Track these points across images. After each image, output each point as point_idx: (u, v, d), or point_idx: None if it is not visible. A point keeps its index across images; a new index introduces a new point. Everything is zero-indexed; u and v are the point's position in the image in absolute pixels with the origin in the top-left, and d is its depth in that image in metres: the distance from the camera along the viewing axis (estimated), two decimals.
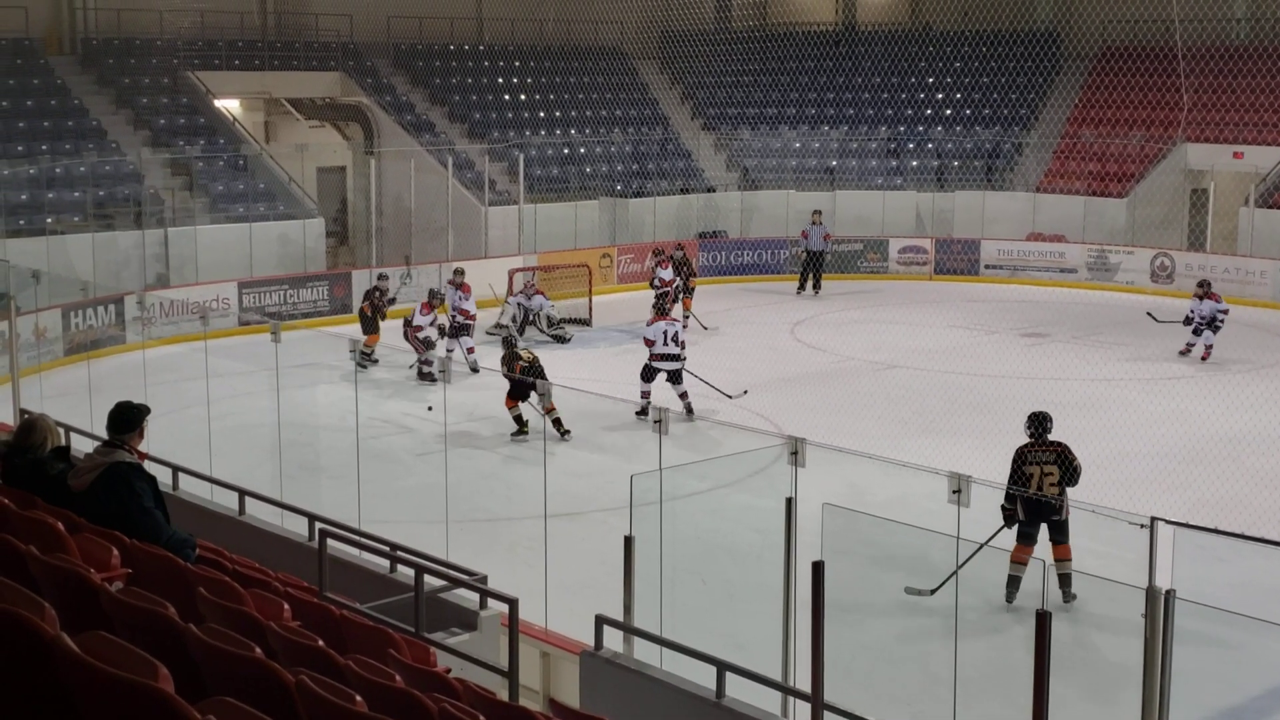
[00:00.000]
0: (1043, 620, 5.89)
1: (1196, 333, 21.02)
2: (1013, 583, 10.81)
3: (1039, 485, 10.88)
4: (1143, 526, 7.14)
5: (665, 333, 17.19)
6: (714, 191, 32.11)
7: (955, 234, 30.34)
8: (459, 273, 21.01)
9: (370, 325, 20.75)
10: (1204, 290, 21.23)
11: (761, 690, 7.37)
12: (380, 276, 22.03)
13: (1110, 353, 21.60)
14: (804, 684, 6.75)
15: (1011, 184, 31.89)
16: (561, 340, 22.65)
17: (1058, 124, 32.97)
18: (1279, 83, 29.58)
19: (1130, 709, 6.37)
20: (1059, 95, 33.72)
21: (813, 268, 27.69)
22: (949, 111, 33.91)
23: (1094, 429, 16.09)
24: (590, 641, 7.83)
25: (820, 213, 28.31)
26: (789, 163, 33.07)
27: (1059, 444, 11.18)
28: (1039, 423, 11.31)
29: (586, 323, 23.94)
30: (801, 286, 27.55)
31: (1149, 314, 22.05)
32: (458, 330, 20.27)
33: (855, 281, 28.78)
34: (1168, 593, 6.27)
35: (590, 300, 24.31)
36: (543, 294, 23.21)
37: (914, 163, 32.50)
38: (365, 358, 19.02)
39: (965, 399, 17.97)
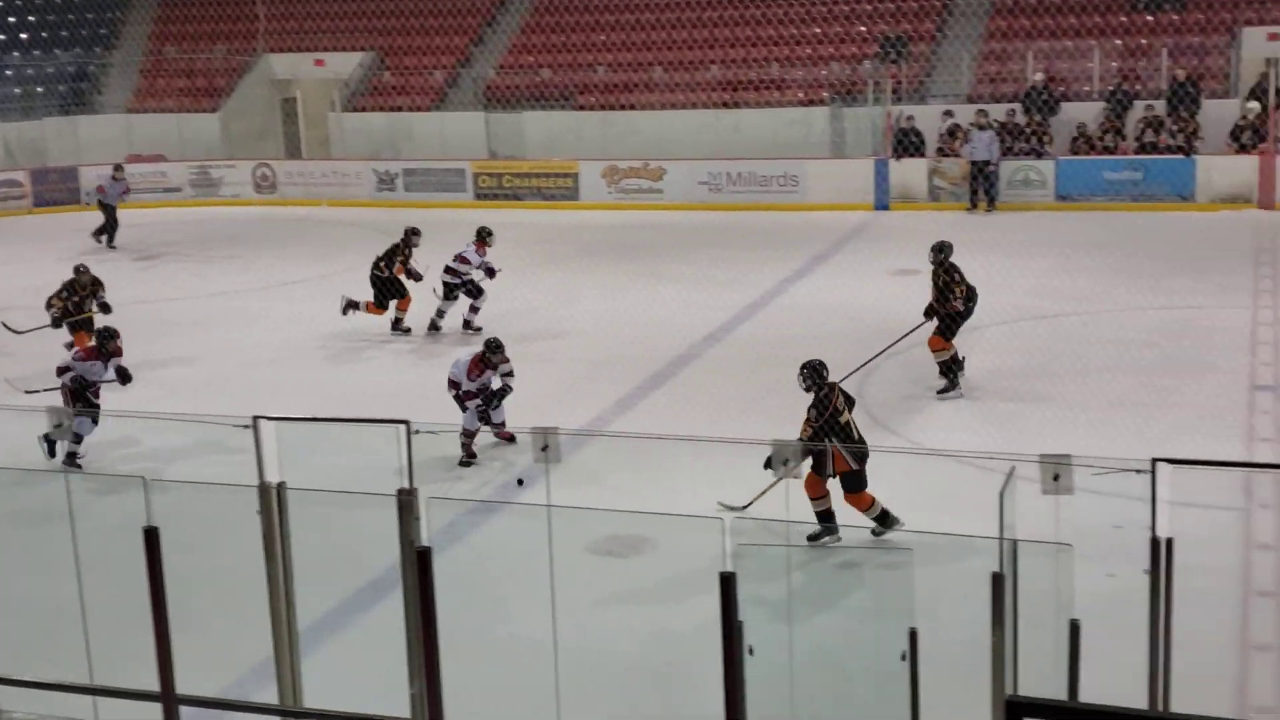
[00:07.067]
0: None
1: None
2: None
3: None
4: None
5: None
6: None
7: (50, 163, 28.95)
8: None
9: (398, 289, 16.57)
10: None
11: None
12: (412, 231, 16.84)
13: (224, 266, 21.88)
14: None
15: (103, 107, 30.95)
16: None
17: (141, 41, 32.37)
18: None
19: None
20: (139, 12, 33.02)
21: None
22: (25, 35, 32.03)
23: (218, 344, 16.24)
24: None
25: None
26: None
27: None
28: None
29: None
30: None
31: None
32: None
33: None
34: (279, 485, 6.57)
35: None
36: None
37: None
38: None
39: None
